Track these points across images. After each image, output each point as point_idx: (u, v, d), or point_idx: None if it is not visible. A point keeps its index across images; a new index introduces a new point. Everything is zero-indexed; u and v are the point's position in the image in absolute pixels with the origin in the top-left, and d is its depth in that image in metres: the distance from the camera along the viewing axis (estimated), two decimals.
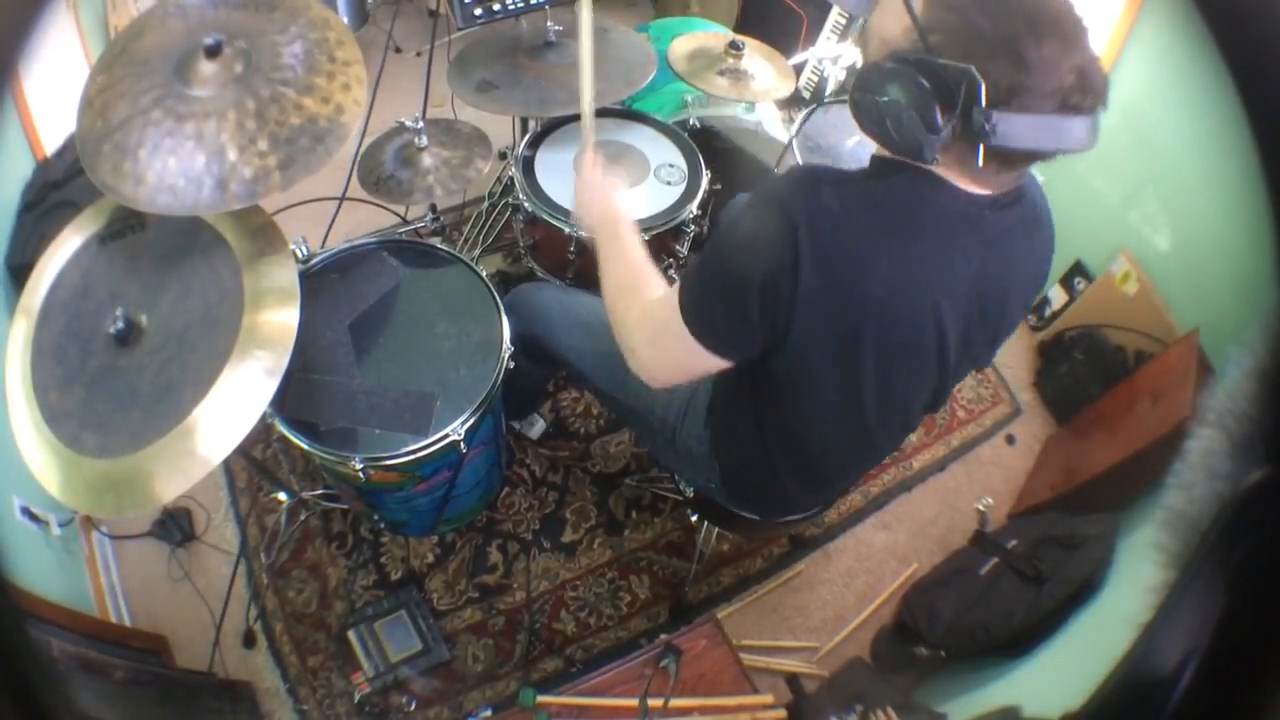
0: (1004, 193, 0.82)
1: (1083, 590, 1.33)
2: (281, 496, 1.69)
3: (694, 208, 1.61)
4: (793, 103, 2.13)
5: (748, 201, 0.87)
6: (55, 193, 1.45)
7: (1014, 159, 0.75)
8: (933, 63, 0.70)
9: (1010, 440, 2.02)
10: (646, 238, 1.55)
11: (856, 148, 1.79)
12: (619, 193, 1.13)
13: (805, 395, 0.94)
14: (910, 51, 0.72)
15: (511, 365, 1.33)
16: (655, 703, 1.17)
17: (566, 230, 1.57)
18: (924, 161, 0.75)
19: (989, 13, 0.69)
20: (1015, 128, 0.69)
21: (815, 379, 0.90)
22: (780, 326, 0.83)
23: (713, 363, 0.90)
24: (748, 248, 0.83)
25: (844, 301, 0.81)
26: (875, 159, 0.86)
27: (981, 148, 0.71)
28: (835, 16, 2.35)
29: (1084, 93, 0.70)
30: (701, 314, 0.87)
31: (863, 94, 0.76)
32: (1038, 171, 0.86)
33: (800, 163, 1.75)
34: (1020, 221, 0.86)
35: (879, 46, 0.78)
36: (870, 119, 0.77)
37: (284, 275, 1.09)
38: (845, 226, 0.79)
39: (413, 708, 1.55)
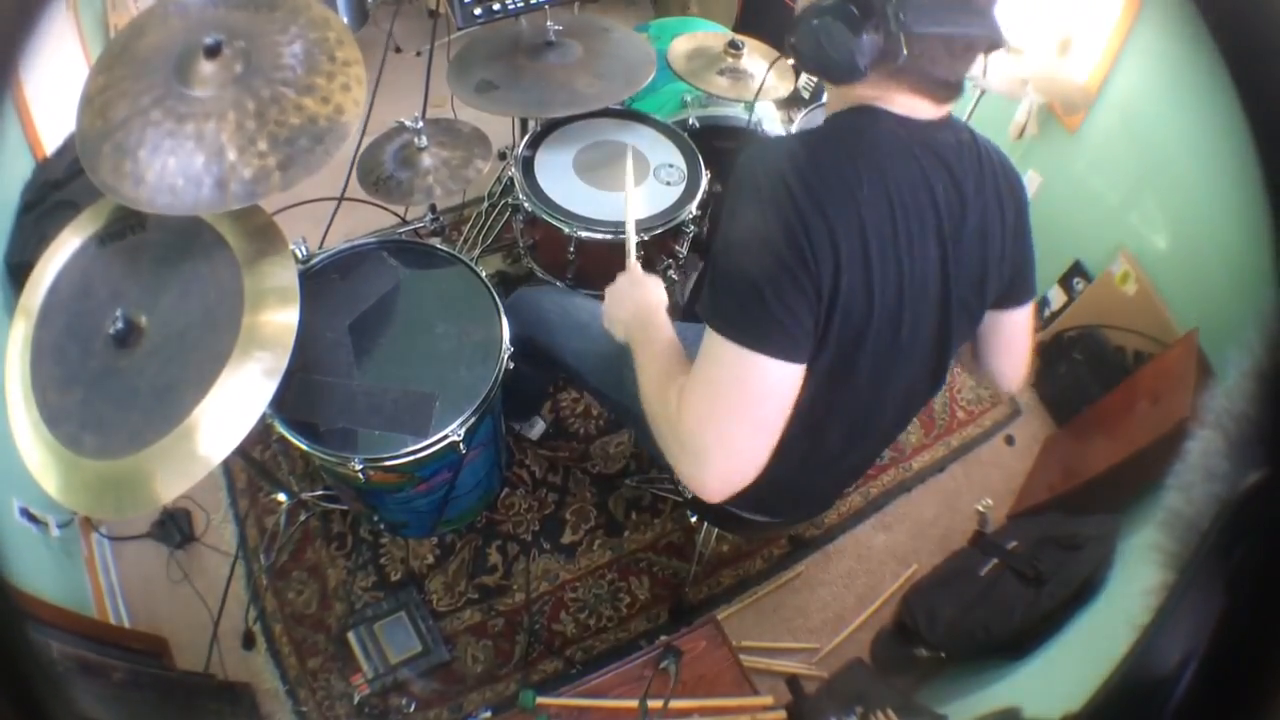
0: (945, 118, 0.87)
1: (1083, 591, 1.33)
2: (281, 497, 1.69)
3: (694, 208, 1.62)
4: (792, 103, 2.13)
5: (730, 189, 0.85)
6: (55, 193, 1.44)
7: (937, 56, 0.80)
8: None
9: (1010, 441, 2.02)
10: (646, 238, 1.55)
11: None
12: (656, 288, 1.08)
13: (818, 378, 0.87)
14: None
15: (511, 366, 1.33)
16: (655, 704, 1.17)
17: (566, 230, 1.57)
18: (859, 75, 0.79)
19: None
20: (924, 14, 0.76)
21: (830, 350, 0.84)
22: (825, 280, 0.79)
23: (780, 375, 0.79)
24: (755, 227, 0.80)
25: (848, 237, 0.79)
26: (827, 118, 0.90)
27: (904, 39, 0.76)
28: None
29: None
30: (746, 313, 0.79)
31: (798, 27, 0.81)
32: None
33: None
34: (961, 150, 0.88)
35: None
36: (806, 49, 0.81)
37: (284, 276, 1.09)
38: (827, 166, 0.82)
39: (412, 709, 1.54)
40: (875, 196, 0.81)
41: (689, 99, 1.98)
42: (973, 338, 1.05)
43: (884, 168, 0.82)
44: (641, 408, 0.97)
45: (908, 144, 0.84)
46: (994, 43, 0.82)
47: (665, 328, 1.00)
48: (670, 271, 1.75)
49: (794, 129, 1.81)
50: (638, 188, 1.66)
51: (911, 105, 0.84)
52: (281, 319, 1.06)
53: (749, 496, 1.21)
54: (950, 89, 0.85)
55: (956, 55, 0.82)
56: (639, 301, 1.06)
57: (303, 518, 1.74)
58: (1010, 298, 1.01)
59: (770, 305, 0.78)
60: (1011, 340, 1.06)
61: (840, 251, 0.79)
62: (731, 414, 0.80)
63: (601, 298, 1.14)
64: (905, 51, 0.77)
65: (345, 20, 1.20)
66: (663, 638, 1.37)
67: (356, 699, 1.53)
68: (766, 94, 1.80)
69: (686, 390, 0.84)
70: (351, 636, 1.57)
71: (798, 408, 0.92)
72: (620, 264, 1.15)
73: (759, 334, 0.78)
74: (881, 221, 0.81)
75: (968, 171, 0.87)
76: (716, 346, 0.80)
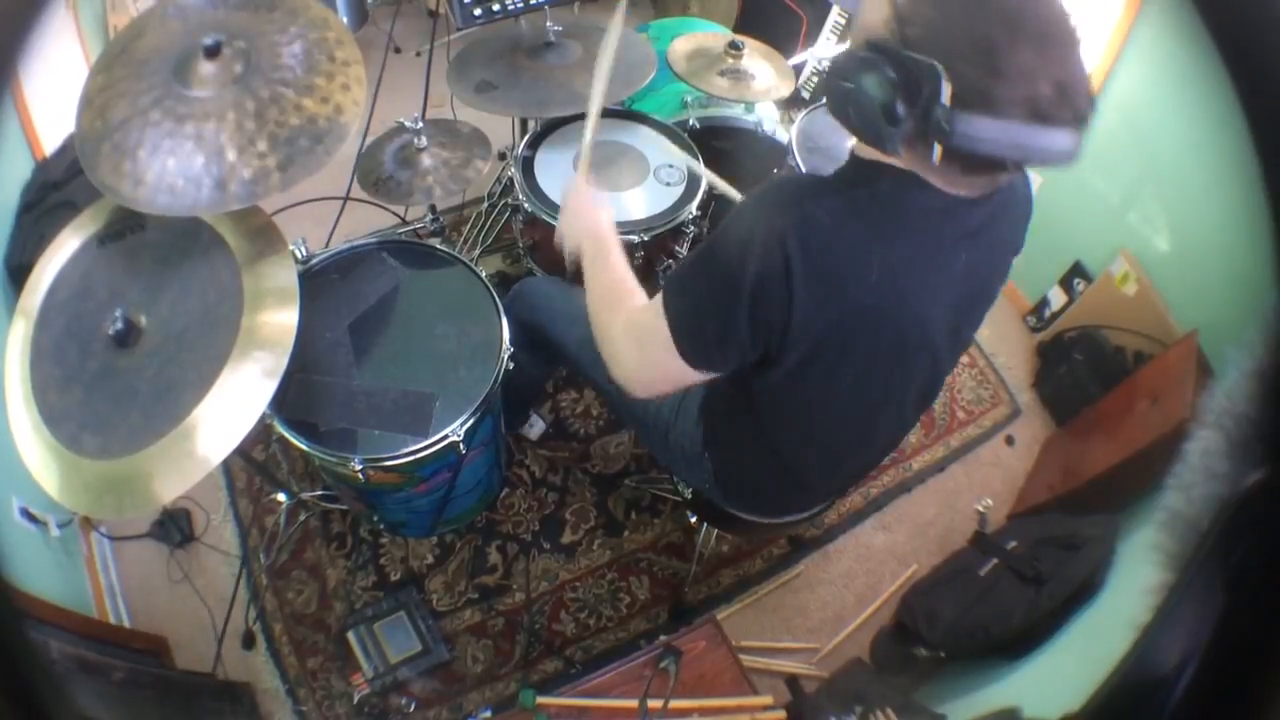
0: (984, 194, 0.81)
1: (1082, 591, 1.33)
2: (281, 497, 1.69)
3: (694, 208, 1.61)
4: (793, 103, 2.13)
5: (732, 216, 0.85)
6: (54, 193, 1.44)
7: (979, 164, 0.73)
8: (901, 54, 0.69)
9: (1010, 441, 2.02)
10: (646, 238, 1.55)
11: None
12: (606, 211, 1.13)
13: (796, 401, 0.94)
14: (885, 41, 0.71)
15: (511, 366, 1.33)
16: (655, 704, 1.17)
17: None
18: (887, 152, 0.75)
19: (969, 11, 0.68)
20: (977, 130, 0.67)
21: (807, 386, 0.90)
22: (774, 341, 0.83)
23: (693, 375, 0.89)
24: (738, 262, 0.80)
25: (836, 311, 0.81)
26: (854, 160, 0.86)
27: (938, 147, 0.70)
28: (835, 17, 2.36)
29: (1061, 105, 0.67)
30: (691, 332, 0.86)
31: (833, 79, 0.76)
32: (1036, 171, 0.86)
33: (791, 170, 1.76)
34: (999, 206, 0.85)
35: (860, 34, 0.77)
36: (837, 104, 0.77)
37: (283, 276, 1.09)
38: (834, 237, 0.79)
39: (412, 709, 1.54)
40: (883, 281, 0.79)
41: (689, 99, 1.98)
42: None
43: (904, 251, 0.80)
44: (638, 401, 1.01)
45: (944, 226, 0.80)
46: (1058, 164, 0.72)
47: (615, 252, 1.06)
48: (670, 272, 1.75)
49: (794, 129, 1.80)
50: (637, 188, 1.66)
51: (946, 184, 0.78)
52: (281, 319, 1.06)
53: (748, 497, 1.23)
54: (989, 186, 0.79)
55: (1004, 170, 0.75)
56: (591, 226, 1.11)
57: (302, 518, 1.74)
58: None
59: (708, 337, 0.86)
60: None
61: (823, 322, 0.81)
62: (654, 365, 0.93)
63: None
64: (936, 161, 0.71)
65: (345, 20, 1.20)
66: (663, 638, 1.36)
67: (356, 698, 1.53)
68: (767, 95, 1.80)
69: (631, 324, 0.95)
70: (351, 636, 1.57)
71: (792, 426, 1.00)
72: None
73: (690, 347, 0.87)
74: (883, 301, 0.81)
75: (999, 233, 0.87)
76: (659, 318, 0.88)
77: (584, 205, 1.14)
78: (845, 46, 0.84)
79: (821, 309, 0.80)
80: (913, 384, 0.96)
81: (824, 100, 2.20)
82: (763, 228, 0.79)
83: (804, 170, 1.71)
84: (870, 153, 0.80)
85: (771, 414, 1.00)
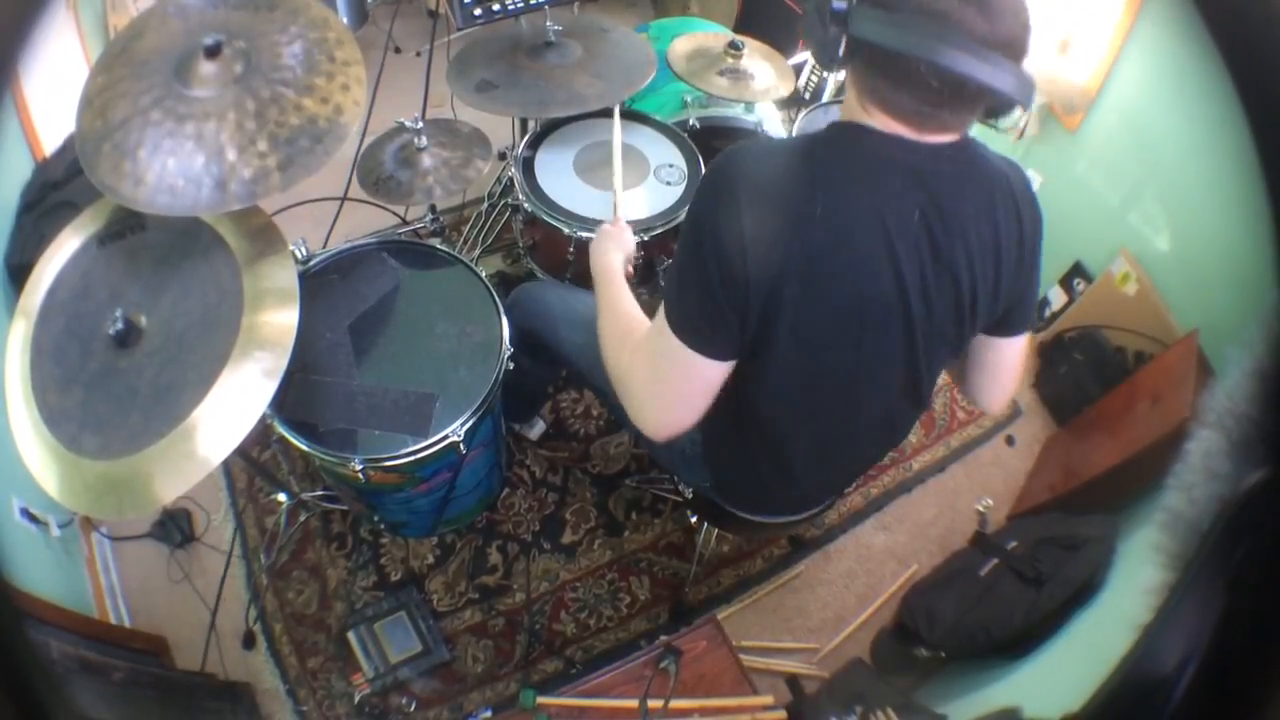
0: (941, 144, 0.82)
1: (1083, 591, 1.33)
2: (281, 498, 1.69)
3: None
4: (793, 103, 2.13)
5: (695, 193, 0.89)
6: (55, 193, 1.44)
7: (895, 72, 0.76)
8: None
9: (1010, 441, 2.02)
10: (646, 238, 1.55)
11: None
12: (622, 250, 1.19)
13: (775, 381, 0.93)
14: None
15: (511, 366, 1.33)
16: (655, 704, 1.17)
17: (566, 230, 1.57)
18: (833, 62, 0.79)
19: None
20: (867, 20, 0.73)
21: (783, 362, 0.89)
22: (747, 299, 0.84)
23: (708, 369, 0.89)
24: (700, 224, 0.85)
25: (787, 250, 0.81)
26: (828, 125, 0.90)
27: (844, 39, 0.75)
28: None
29: (982, 17, 0.71)
30: (684, 313, 0.88)
31: (806, 11, 0.82)
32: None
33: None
34: (965, 183, 0.85)
35: None
36: (804, 28, 0.83)
37: (283, 276, 1.09)
38: (780, 180, 0.82)
39: (412, 709, 1.54)
40: (829, 214, 0.80)
41: (689, 99, 1.98)
42: (956, 361, 1.06)
43: (848, 189, 0.82)
44: None
45: (888, 165, 0.82)
46: (988, 94, 0.74)
47: (622, 288, 1.11)
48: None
49: (794, 129, 1.80)
50: (637, 188, 1.66)
51: (891, 126, 0.81)
52: (281, 319, 1.06)
53: (748, 497, 1.23)
54: (926, 119, 0.79)
55: (919, 86, 0.75)
56: (602, 256, 1.16)
57: (303, 518, 1.74)
58: (1004, 326, 1.00)
59: (699, 309, 0.86)
60: (999, 366, 1.06)
61: (779, 265, 0.81)
62: (665, 387, 0.94)
63: None
64: (839, 54, 0.77)
65: (345, 20, 1.20)
66: (663, 638, 1.37)
67: (357, 698, 1.53)
68: (767, 95, 1.80)
69: (639, 349, 0.97)
70: (352, 636, 1.57)
71: (772, 411, 0.99)
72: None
73: (689, 332, 0.88)
74: (834, 240, 0.81)
75: (962, 199, 0.85)
76: (662, 327, 0.90)
77: (602, 242, 1.20)
78: None
79: (773, 248, 0.81)
80: (890, 351, 0.92)
81: (823, 100, 2.22)
82: (718, 183, 0.84)
83: None
84: (844, 111, 0.87)
85: (758, 407, 0.99)
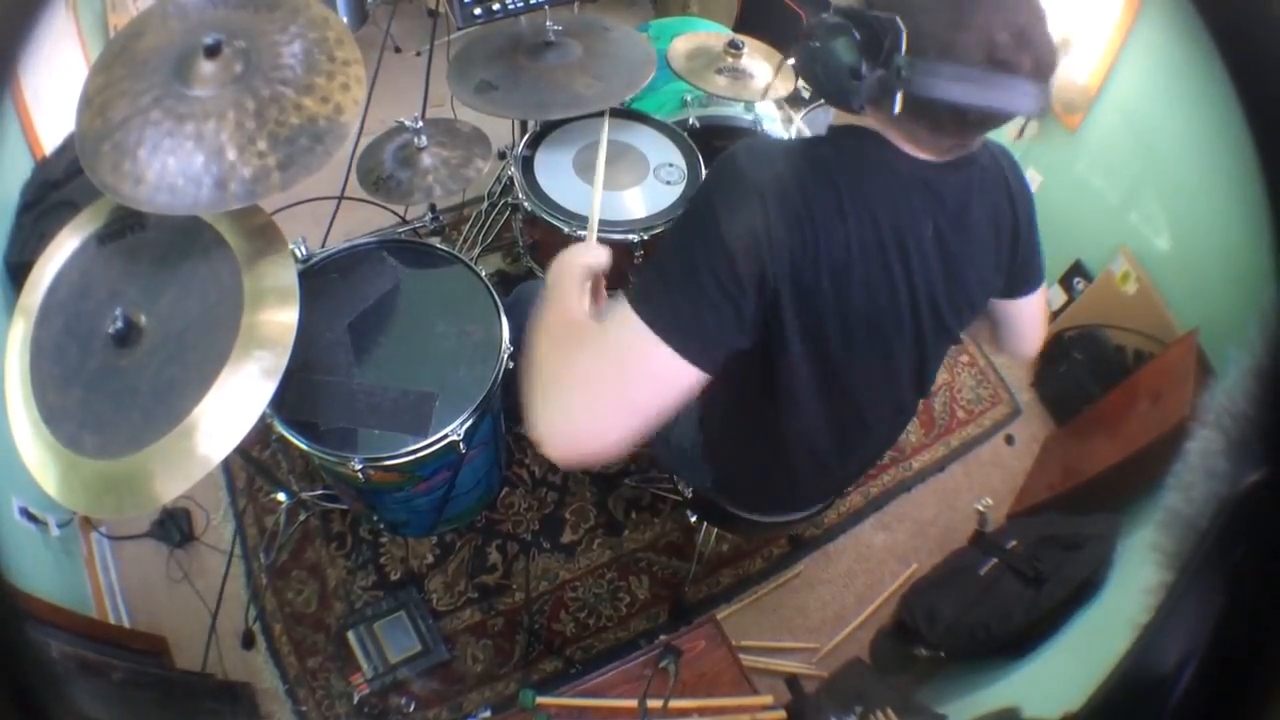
0: (952, 159, 0.82)
1: (1082, 591, 1.33)
2: (280, 497, 1.69)
3: None
4: (792, 103, 2.13)
5: (706, 180, 0.84)
6: (54, 192, 1.44)
7: (942, 116, 0.74)
8: (863, 13, 0.72)
9: (1010, 440, 2.02)
10: (645, 237, 1.55)
11: None
12: (578, 266, 0.94)
13: (788, 385, 0.91)
14: (851, 7, 0.74)
15: (511, 365, 1.33)
16: (655, 703, 1.17)
17: (566, 230, 1.57)
18: (852, 109, 0.76)
19: None
20: (935, 75, 0.70)
21: (794, 363, 0.87)
22: (761, 304, 0.79)
23: (673, 372, 0.76)
24: (717, 220, 0.77)
25: (812, 264, 0.79)
26: (831, 128, 0.87)
27: (899, 95, 0.72)
28: None
29: (1019, 51, 0.70)
30: (667, 304, 0.76)
31: (804, 40, 0.78)
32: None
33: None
34: (972, 186, 0.85)
35: (836, 3, 0.79)
36: (806, 64, 0.79)
37: (283, 275, 1.09)
38: (805, 192, 0.79)
39: (412, 709, 1.54)
40: (854, 225, 0.79)
41: (689, 99, 1.98)
42: (981, 325, 1.08)
43: (872, 204, 0.80)
44: None
45: (908, 182, 0.81)
46: (1021, 114, 0.74)
47: (576, 303, 0.90)
48: (638, 275, 1.75)
49: (794, 129, 1.80)
50: (637, 187, 1.66)
51: (914, 147, 0.80)
52: (281, 318, 1.06)
53: (748, 496, 1.23)
54: (953, 149, 0.80)
55: (969, 124, 0.76)
56: (564, 272, 0.93)
57: (302, 517, 1.74)
58: (1016, 289, 1.02)
59: (697, 301, 0.76)
60: (1022, 321, 1.09)
61: (797, 268, 0.78)
62: (609, 387, 0.77)
63: None
64: (897, 110, 0.73)
65: (344, 20, 1.20)
66: (662, 637, 1.36)
67: (356, 698, 1.53)
68: (766, 94, 1.80)
69: (583, 344, 0.81)
70: (351, 636, 1.57)
71: (778, 412, 0.97)
72: (621, 261, 1.16)
73: (672, 322, 0.75)
74: (857, 253, 0.80)
75: (969, 203, 0.86)
76: (626, 316, 0.76)
77: (565, 257, 0.97)
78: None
79: (800, 262, 0.78)
80: (900, 357, 0.93)
81: (823, 100, 2.21)
82: (740, 184, 0.79)
83: None
84: (843, 118, 0.83)
85: (767, 409, 0.98)
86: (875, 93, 0.74)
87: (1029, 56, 0.70)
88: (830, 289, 0.81)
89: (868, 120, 0.80)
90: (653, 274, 0.80)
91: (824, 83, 0.78)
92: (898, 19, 0.70)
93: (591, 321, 0.86)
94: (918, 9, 0.70)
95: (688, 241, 0.80)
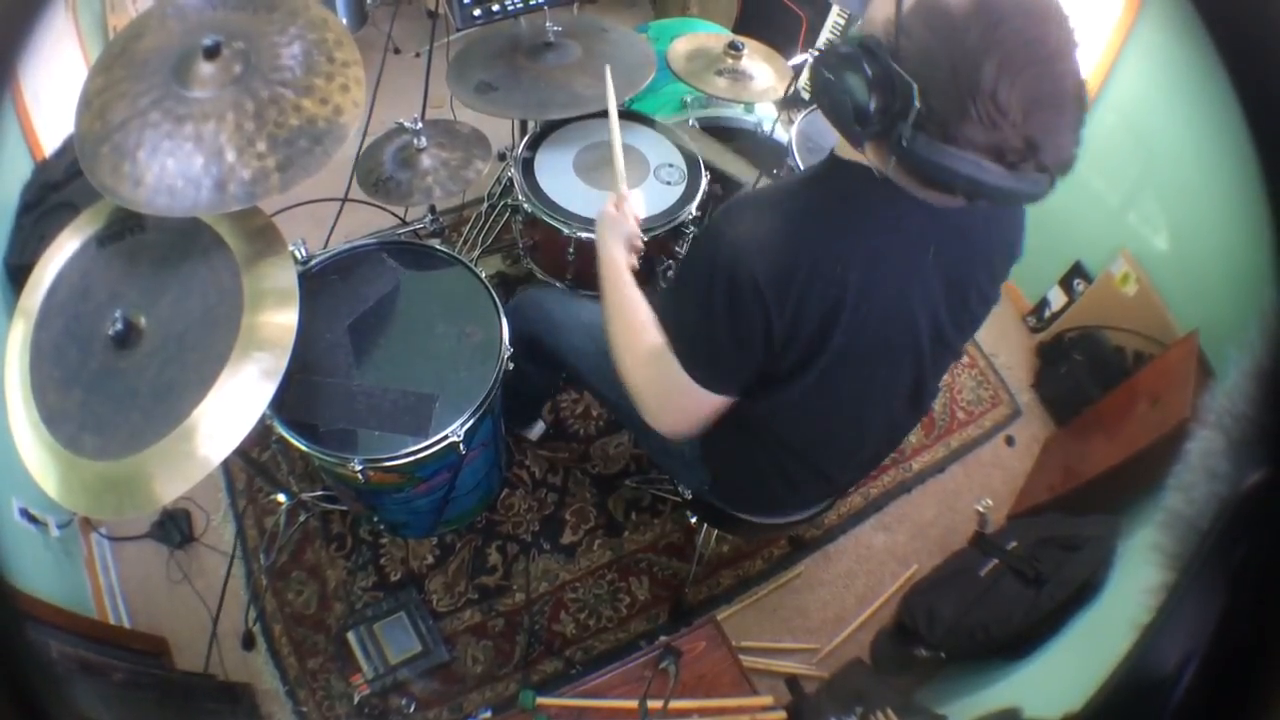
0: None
1: (1083, 592, 1.33)
2: (280, 498, 1.68)
3: (693, 208, 1.61)
4: (793, 103, 2.13)
5: (696, 241, 0.90)
6: (54, 194, 1.44)
7: (933, 183, 0.74)
8: (886, 63, 0.68)
9: (1010, 441, 2.01)
10: (646, 239, 1.55)
11: None
12: (621, 235, 1.15)
13: (787, 404, 0.95)
14: (877, 44, 0.70)
15: (511, 366, 1.33)
16: (655, 704, 1.17)
17: (566, 231, 1.57)
18: (855, 142, 0.76)
19: (964, 48, 0.65)
20: (932, 155, 0.68)
21: (796, 388, 0.91)
22: (766, 353, 0.86)
23: (714, 400, 0.93)
24: (707, 288, 0.85)
25: (813, 312, 0.82)
26: (830, 157, 0.88)
27: (893, 159, 0.71)
28: (835, 17, 2.35)
29: (1024, 158, 0.67)
30: (693, 353, 0.91)
31: (820, 65, 0.76)
32: None
33: (791, 170, 1.76)
34: (969, 209, 0.83)
35: (864, 26, 0.77)
36: (819, 90, 0.78)
37: (283, 276, 1.09)
38: (796, 242, 0.81)
39: (412, 709, 1.54)
40: (852, 276, 0.81)
41: (689, 100, 1.98)
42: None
43: (878, 245, 0.81)
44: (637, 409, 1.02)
45: (903, 211, 0.80)
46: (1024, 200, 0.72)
47: (628, 290, 1.07)
48: (669, 273, 1.75)
49: (794, 130, 1.80)
50: (637, 188, 1.65)
51: (911, 188, 0.79)
52: (281, 320, 1.06)
53: (747, 499, 1.23)
54: (955, 200, 0.78)
55: (965, 194, 0.73)
56: (612, 256, 1.11)
57: (302, 518, 1.74)
58: None
59: (710, 352, 0.90)
60: None
61: (808, 316, 0.82)
62: (672, 404, 0.98)
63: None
64: (890, 171, 0.73)
65: (344, 21, 1.20)
66: (662, 638, 1.37)
67: (356, 699, 1.52)
68: (767, 95, 1.80)
69: (648, 365, 0.98)
70: (351, 637, 1.57)
71: (780, 428, 1.02)
72: None
73: (698, 365, 0.91)
74: (866, 296, 0.82)
75: (970, 231, 0.86)
76: (665, 356, 0.93)
77: (602, 231, 1.16)
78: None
79: (798, 314, 0.82)
80: (898, 382, 0.96)
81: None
82: (724, 251, 0.83)
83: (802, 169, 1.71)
84: (847, 152, 0.82)
85: (765, 422, 1.01)
86: (876, 140, 0.73)
87: (1040, 161, 0.67)
88: (831, 327, 0.83)
89: (869, 157, 0.79)
90: (680, 323, 0.94)
91: (830, 113, 0.76)
92: (914, 86, 0.66)
93: (648, 323, 1.00)
94: (935, 82, 0.66)
95: (686, 298, 0.92)
